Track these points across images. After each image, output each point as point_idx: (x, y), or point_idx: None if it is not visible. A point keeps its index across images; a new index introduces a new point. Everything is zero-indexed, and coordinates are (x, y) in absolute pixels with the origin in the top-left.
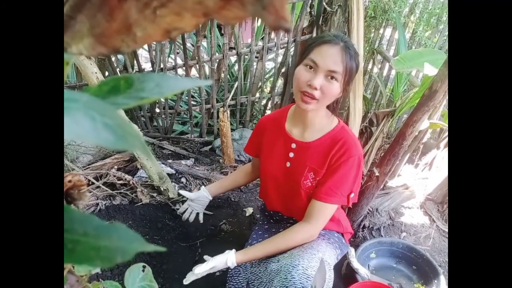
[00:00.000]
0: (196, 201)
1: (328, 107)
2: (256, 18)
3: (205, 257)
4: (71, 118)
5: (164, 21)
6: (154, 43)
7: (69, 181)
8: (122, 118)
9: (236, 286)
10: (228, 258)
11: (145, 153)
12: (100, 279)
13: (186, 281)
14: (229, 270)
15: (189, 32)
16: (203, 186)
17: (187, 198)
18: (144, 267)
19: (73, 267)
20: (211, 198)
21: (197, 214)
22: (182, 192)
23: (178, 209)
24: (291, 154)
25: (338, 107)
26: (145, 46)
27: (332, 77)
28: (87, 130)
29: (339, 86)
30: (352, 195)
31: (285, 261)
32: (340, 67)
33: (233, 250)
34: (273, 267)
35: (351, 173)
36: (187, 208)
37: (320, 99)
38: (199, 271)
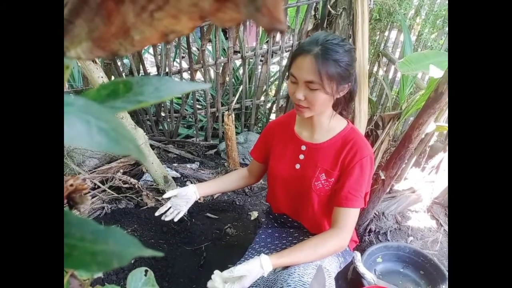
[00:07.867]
0: (182, 198)
1: (334, 108)
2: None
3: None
4: (66, 121)
5: (161, 24)
6: (160, 47)
7: (71, 185)
8: (118, 121)
9: None
10: (263, 263)
11: (140, 157)
12: (106, 283)
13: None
14: None
15: (187, 35)
16: (190, 183)
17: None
18: (146, 271)
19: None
20: (198, 197)
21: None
22: (167, 194)
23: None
24: (301, 156)
25: (346, 108)
26: (151, 51)
27: (311, 87)
28: (81, 133)
29: (324, 92)
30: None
31: (281, 270)
32: (315, 76)
33: (263, 254)
34: (271, 276)
35: (366, 174)
36: (169, 208)
37: (310, 107)
38: (227, 279)
